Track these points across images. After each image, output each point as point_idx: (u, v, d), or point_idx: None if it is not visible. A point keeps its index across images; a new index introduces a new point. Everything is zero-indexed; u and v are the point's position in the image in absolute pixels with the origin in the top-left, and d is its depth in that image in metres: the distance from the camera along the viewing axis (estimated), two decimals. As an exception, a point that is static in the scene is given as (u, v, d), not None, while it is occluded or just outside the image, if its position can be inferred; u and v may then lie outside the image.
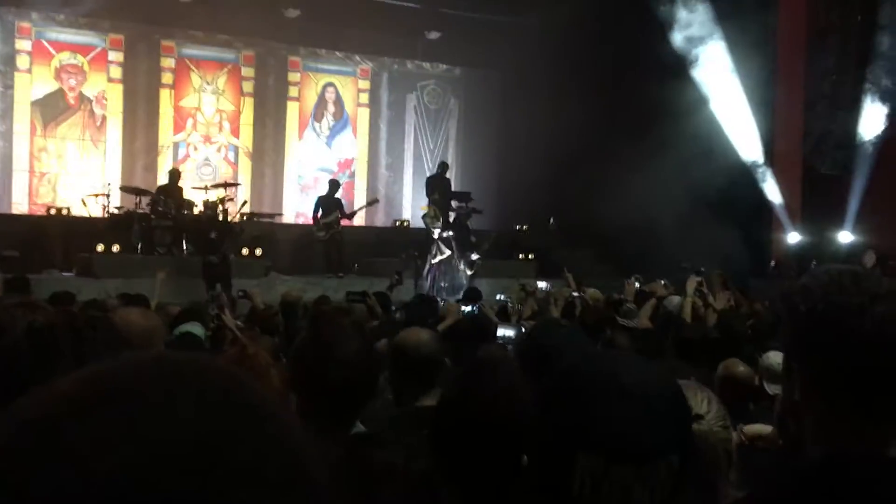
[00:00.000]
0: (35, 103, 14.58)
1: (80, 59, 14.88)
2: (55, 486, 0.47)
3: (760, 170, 13.95)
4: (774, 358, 4.09)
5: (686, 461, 1.05)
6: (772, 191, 14.00)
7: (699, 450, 1.26)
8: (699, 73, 13.54)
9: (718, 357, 3.92)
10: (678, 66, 13.25)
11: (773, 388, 3.88)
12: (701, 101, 13.51)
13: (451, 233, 12.68)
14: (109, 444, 0.48)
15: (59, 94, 14.78)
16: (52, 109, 14.71)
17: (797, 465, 1.17)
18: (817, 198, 13.93)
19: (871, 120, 13.35)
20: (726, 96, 13.68)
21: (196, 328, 4.63)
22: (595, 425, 1.04)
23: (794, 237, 14.03)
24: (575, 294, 7.72)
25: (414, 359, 2.75)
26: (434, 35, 16.36)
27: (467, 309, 7.01)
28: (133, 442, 0.48)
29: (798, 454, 1.20)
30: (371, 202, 14.80)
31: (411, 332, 3.00)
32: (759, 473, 1.41)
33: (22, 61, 14.49)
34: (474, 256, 12.74)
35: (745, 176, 13.74)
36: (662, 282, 8.08)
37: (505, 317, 7.14)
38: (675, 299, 6.71)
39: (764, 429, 2.89)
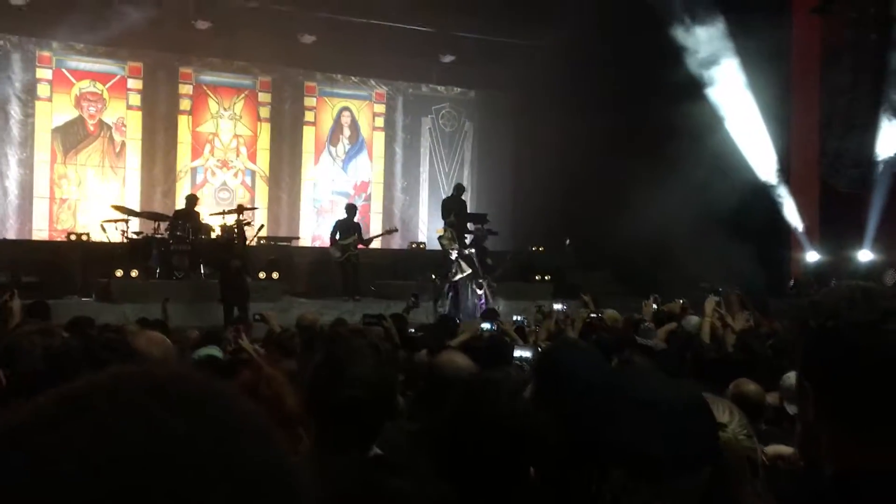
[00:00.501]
0: (55, 131, 14.78)
1: (99, 87, 15.09)
2: (22, 488, 0.48)
3: (777, 189, 13.88)
4: (794, 378, 4.04)
5: (713, 476, 1.04)
6: (789, 210, 13.92)
7: (723, 459, 1.25)
8: (713, 93, 13.53)
9: (737, 377, 3.87)
10: (692, 86, 13.25)
11: (793, 409, 3.84)
12: (716, 121, 13.50)
13: (472, 250, 12.67)
14: (77, 449, 0.49)
15: (79, 121, 14.97)
16: (72, 137, 14.90)
17: (811, 483, 1.16)
18: (835, 216, 13.83)
19: (888, 138, 13.27)
20: (741, 115, 13.66)
21: (214, 351, 4.66)
22: (618, 441, 1.02)
23: (812, 256, 13.92)
24: (593, 315, 7.68)
25: (447, 382, 2.76)
26: (448, 58, 16.47)
27: (486, 326, 7.00)
28: (101, 447, 0.49)
29: (815, 473, 1.18)
30: (388, 231, 14.84)
31: (448, 356, 3.03)
32: (778, 493, 1.39)
33: (42, 90, 14.71)
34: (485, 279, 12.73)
35: (761, 195, 13.68)
36: (681, 301, 8.02)
37: (522, 337, 7.11)
38: (694, 319, 6.66)
39: (785, 449, 2.85)
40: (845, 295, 1.13)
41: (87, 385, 0.53)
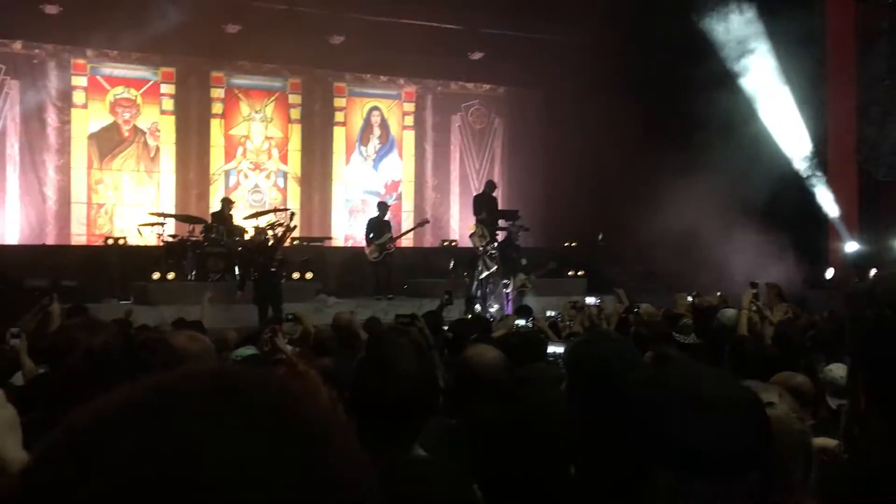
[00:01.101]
0: (91, 137, 15.00)
1: (133, 93, 15.30)
2: (91, 498, 0.46)
3: (814, 178, 13.66)
4: (837, 371, 3.98)
5: (769, 476, 1.01)
6: (826, 199, 13.69)
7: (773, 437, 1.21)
8: (746, 81, 13.34)
9: (777, 371, 3.81)
10: (724, 75, 13.08)
11: (835, 402, 3.77)
12: (749, 109, 13.31)
13: (495, 246, 12.63)
14: (148, 456, 0.47)
15: (114, 127, 15.19)
16: (107, 142, 15.12)
17: (858, 474, 1.13)
18: (874, 205, 13.58)
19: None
20: (775, 104, 13.45)
21: (252, 351, 4.72)
22: (673, 439, 0.99)
23: (851, 246, 13.67)
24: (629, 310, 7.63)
25: (478, 376, 2.77)
26: (477, 55, 16.44)
27: (521, 322, 6.99)
28: (173, 454, 0.47)
29: (861, 464, 1.15)
30: (421, 223, 14.90)
31: (477, 349, 3.05)
32: (823, 485, 1.35)
33: (78, 97, 14.94)
34: (522, 277, 12.67)
35: (798, 185, 13.48)
36: (718, 294, 7.93)
37: (556, 332, 7.08)
38: (730, 312, 6.56)
39: (829, 442, 2.80)
40: None
41: (156, 384, 0.52)
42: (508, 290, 12.39)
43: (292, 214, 12.38)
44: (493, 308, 12.07)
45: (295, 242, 13.57)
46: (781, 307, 6.72)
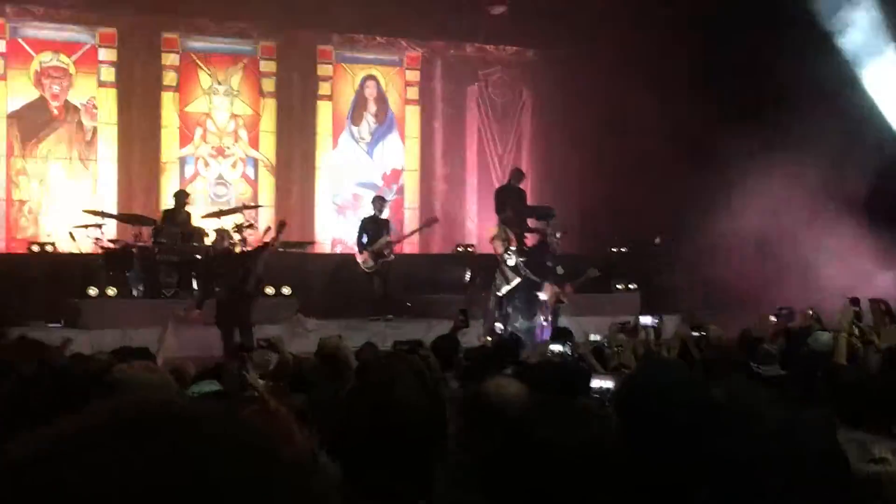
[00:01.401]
0: (11, 116, 15.10)
1: (64, 60, 15.40)
2: None
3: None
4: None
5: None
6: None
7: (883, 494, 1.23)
8: (845, 42, 13.30)
9: (888, 409, 3.80)
10: (816, 35, 13.05)
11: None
12: (848, 78, 13.26)
13: (520, 259, 12.58)
14: (98, 485, 0.52)
15: (41, 103, 15.29)
16: (31, 123, 15.22)
17: None
18: None
19: None
20: (881, 69, 13.40)
21: (214, 387, 4.76)
22: (719, 461, 1.03)
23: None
24: (694, 334, 7.64)
25: (496, 414, 2.81)
26: (499, 10, 16.45)
27: (557, 349, 7.01)
28: (123, 484, 0.52)
29: None
30: (428, 223, 14.91)
31: (498, 382, 3.11)
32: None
33: (-5, 66, 15.06)
34: (555, 290, 12.66)
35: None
36: (809, 311, 7.93)
37: (601, 362, 7.09)
38: (823, 336, 6.58)
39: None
40: None
41: (102, 415, 0.58)
42: (545, 301, 12.32)
43: (282, 224, 11.95)
44: (523, 332, 12.06)
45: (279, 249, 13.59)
46: (891, 329, 6.71)
